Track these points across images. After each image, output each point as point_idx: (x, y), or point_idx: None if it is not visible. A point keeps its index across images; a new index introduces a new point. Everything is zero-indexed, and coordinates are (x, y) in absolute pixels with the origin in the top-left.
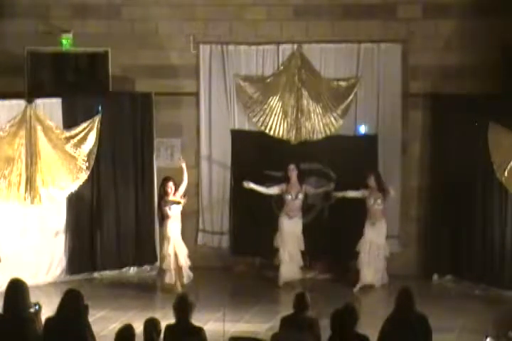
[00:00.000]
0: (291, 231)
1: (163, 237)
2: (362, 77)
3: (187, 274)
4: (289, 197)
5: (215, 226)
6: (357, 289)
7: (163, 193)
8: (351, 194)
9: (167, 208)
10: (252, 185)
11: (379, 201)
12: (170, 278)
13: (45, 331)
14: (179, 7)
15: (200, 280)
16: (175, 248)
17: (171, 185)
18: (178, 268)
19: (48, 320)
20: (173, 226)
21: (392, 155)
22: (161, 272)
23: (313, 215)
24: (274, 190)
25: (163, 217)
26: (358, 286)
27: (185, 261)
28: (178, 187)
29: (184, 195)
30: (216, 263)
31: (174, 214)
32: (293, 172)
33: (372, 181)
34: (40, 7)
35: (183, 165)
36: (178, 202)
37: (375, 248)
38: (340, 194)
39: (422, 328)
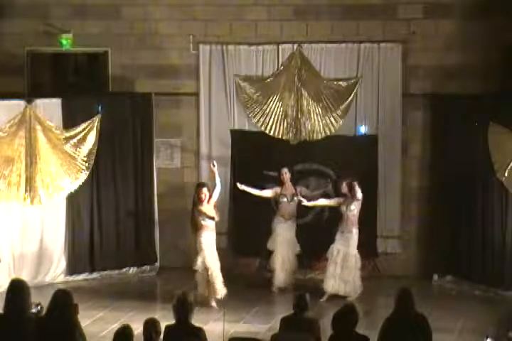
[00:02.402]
0: (284, 235)
1: (196, 249)
2: (362, 77)
3: (219, 289)
4: (285, 199)
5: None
6: (323, 299)
7: (197, 200)
8: (323, 202)
9: (201, 219)
10: (245, 188)
11: (351, 207)
12: (202, 290)
13: (36, 331)
14: (179, 7)
15: None
16: (206, 261)
17: (205, 191)
18: (210, 283)
19: (38, 320)
20: (207, 238)
21: (392, 155)
22: (194, 283)
23: (312, 215)
24: (267, 193)
25: (196, 228)
26: (325, 297)
27: (216, 276)
28: (212, 193)
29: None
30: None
31: (208, 224)
32: (286, 175)
33: (344, 188)
34: (40, 7)
35: (215, 170)
36: (212, 218)
37: (342, 257)
38: (310, 204)
39: (422, 328)
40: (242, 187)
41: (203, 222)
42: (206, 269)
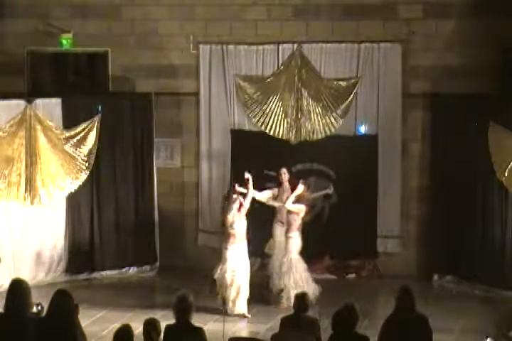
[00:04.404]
0: (282, 240)
1: (221, 259)
2: (362, 77)
3: (240, 306)
4: (279, 204)
5: (215, 226)
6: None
7: (227, 208)
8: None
9: (228, 226)
10: (242, 191)
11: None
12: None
13: (36, 331)
14: (179, 7)
15: (200, 280)
16: (233, 278)
17: (240, 199)
18: (226, 295)
19: (38, 320)
20: (233, 249)
21: (392, 155)
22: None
23: (313, 214)
24: (265, 195)
25: (225, 236)
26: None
27: (240, 292)
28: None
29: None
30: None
31: (239, 232)
32: (284, 176)
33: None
34: (40, 7)
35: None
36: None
37: (285, 259)
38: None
39: (422, 328)
40: (239, 190)
41: (230, 230)
42: (224, 282)
